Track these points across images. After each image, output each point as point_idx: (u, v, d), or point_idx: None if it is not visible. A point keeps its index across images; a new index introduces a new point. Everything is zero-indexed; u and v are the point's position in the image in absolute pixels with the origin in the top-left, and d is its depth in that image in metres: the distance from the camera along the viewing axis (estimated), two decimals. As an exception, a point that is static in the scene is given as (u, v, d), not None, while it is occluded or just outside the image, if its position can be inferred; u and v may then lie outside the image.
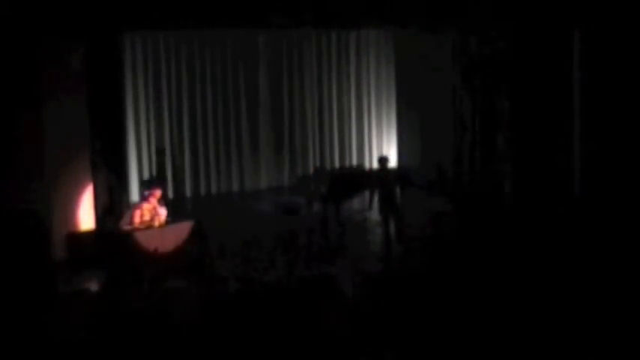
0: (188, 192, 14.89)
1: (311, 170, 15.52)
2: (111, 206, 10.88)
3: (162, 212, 10.45)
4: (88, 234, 10.61)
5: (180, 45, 14.55)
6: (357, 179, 13.47)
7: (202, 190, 15.04)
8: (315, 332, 7.26)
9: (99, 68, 10.74)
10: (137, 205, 10.52)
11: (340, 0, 11.46)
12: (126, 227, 10.12)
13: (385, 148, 16.81)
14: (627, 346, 6.80)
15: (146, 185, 12.85)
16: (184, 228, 10.43)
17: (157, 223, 10.29)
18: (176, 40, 14.47)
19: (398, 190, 11.43)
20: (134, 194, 13.43)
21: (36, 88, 10.02)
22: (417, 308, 7.92)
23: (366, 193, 13.46)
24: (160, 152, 14.36)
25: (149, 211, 10.29)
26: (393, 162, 16.61)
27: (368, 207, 12.14)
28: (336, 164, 16.31)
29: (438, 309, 7.84)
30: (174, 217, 10.77)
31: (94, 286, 9.58)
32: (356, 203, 13.42)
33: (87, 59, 10.54)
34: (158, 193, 10.57)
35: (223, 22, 11.74)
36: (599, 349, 6.76)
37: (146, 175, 14.30)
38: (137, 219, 10.18)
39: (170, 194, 14.12)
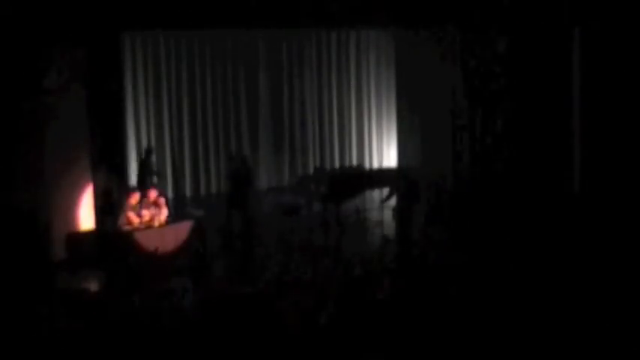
0: (188, 192, 14.89)
1: (311, 170, 15.52)
2: (110, 206, 10.88)
3: (163, 212, 10.45)
4: (87, 234, 10.61)
5: (180, 45, 14.54)
6: (357, 179, 13.46)
7: (202, 190, 15.04)
8: (315, 332, 7.27)
9: (99, 68, 10.74)
10: (127, 206, 10.39)
11: (340, 0, 11.46)
12: (126, 227, 10.12)
13: (385, 148, 16.82)
14: (627, 345, 6.80)
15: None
16: (184, 228, 10.44)
17: (157, 223, 10.29)
18: (176, 40, 14.46)
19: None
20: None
21: (36, 88, 10.01)
22: (415, 309, 7.92)
23: (367, 194, 13.48)
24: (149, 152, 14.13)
25: (146, 208, 10.27)
26: (392, 162, 16.67)
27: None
28: (336, 164, 16.31)
29: (436, 308, 7.84)
30: (174, 217, 10.77)
31: (94, 286, 9.58)
32: (356, 203, 13.41)
33: (87, 59, 10.54)
34: (153, 194, 10.54)
35: (223, 22, 11.74)
36: (599, 348, 6.76)
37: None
38: (134, 219, 10.17)
39: (170, 194, 14.12)
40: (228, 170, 13.92)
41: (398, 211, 11.24)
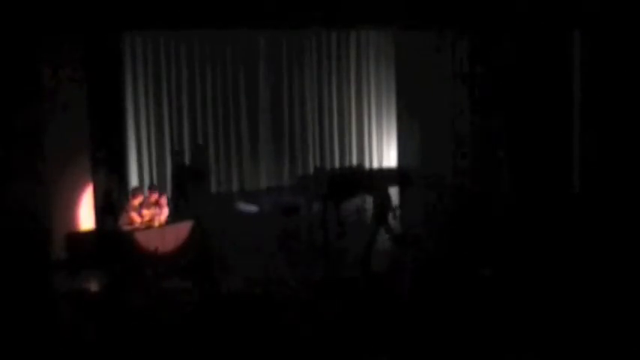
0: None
1: (311, 170, 15.51)
2: (110, 206, 10.88)
3: (164, 212, 10.44)
4: (87, 234, 10.61)
5: (180, 45, 14.55)
6: (357, 179, 13.46)
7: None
8: (314, 332, 7.27)
9: (99, 68, 10.73)
10: (129, 206, 10.38)
11: (340, 0, 11.45)
12: (126, 227, 10.11)
13: (385, 148, 16.82)
14: (626, 344, 6.80)
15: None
16: (184, 228, 10.44)
17: (156, 223, 10.28)
18: (176, 40, 14.46)
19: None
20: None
21: (36, 88, 10.01)
22: (415, 308, 7.93)
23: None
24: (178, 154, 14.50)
25: (147, 208, 10.26)
26: (392, 162, 16.69)
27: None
28: (336, 164, 16.31)
29: (436, 309, 7.85)
30: (174, 217, 10.77)
31: (94, 286, 9.59)
32: (356, 203, 13.42)
33: (87, 59, 10.54)
34: (155, 195, 10.52)
35: (223, 22, 11.74)
36: (598, 347, 6.76)
37: (146, 176, 14.31)
38: (136, 218, 10.16)
39: (170, 194, 14.12)
40: (175, 165, 14.18)
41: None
